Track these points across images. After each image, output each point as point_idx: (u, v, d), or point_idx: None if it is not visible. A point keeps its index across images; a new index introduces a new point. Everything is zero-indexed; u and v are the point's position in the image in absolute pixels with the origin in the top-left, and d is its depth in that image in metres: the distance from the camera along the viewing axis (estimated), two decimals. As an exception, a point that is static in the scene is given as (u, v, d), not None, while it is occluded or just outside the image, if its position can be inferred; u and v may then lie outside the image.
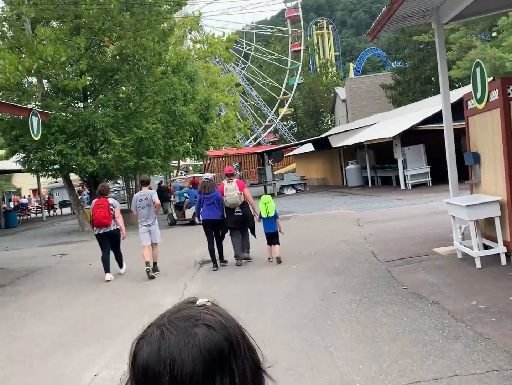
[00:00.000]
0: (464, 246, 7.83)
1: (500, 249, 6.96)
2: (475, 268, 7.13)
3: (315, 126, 69.27)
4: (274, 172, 37.67)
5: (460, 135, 31.39)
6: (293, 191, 32.98)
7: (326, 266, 8.99)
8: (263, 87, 77.06)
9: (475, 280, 6.66)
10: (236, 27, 74.45)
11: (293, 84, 76.45)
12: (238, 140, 42.59)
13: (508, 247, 6.93)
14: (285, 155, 42.05)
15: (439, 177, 25.51)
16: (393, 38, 51.78)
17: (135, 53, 19.72)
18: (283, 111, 74.30)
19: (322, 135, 38.57)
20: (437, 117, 23.37)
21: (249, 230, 10.66)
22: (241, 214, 10.29)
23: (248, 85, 74.23)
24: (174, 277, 10.03)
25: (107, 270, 10.41)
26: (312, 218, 17.85)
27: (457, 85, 43.59)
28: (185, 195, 21.64)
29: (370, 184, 29.14)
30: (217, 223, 10.29)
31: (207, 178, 10.71)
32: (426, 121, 23.38)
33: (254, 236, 10.71)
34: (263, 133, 74.31)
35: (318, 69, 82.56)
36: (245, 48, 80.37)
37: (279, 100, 76.82)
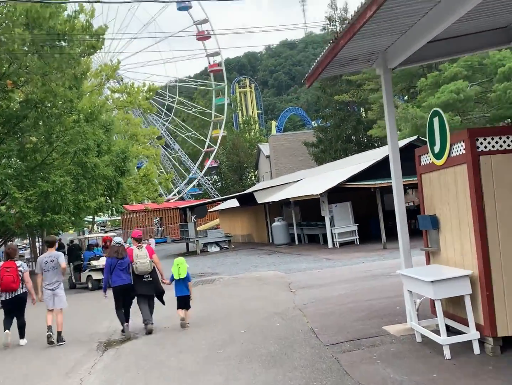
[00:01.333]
0: (423, 327, 6.56)
1: (472, 334, 5.73)
2: (443, 357, 5.83)
3: (239, 182, 68.64)
4: (197, 229, 35.94)
5: (384, 193, 31.33)
6: (217, 249, 31.32)
7: (260, 351, 7.39)
8: (188, 139, 76.08)
9: (449, 377, 5.32)
10: (159, 81, 73.41)
11: (217, 136, 75.99)
12: (159, 194, 40.62)
13: (482, 332, 5.70)
14: (209, 210, 40.55)
15: (365, 235, 24.95)
16: (314, 98, 52.79)
17: (43, 99, 17.84)
18: (209, 162, 73.20)
19: (247, 191, 37.59)
20: (363, 174, 22.99)
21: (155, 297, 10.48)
22: (151, 279, 10.14)
23: (171, 138, 72.91)
24: (70, 366, 8.03)
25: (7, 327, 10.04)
26: (239, 281, 16.26)
27: (376, 144, 44.63)
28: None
29: (297, 242, 28.10)
30: (130, 288, 10.04)
31: (119, 243, 10.36)
32: (353, 178, 22.90)
33: (163, 302, 10.59)
34: (186, 187, 72.66)
35: (242, 125, 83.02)
36: (168, 100, 79.55)
37: (203, 153, 75.89)
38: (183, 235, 33.42)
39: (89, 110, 19.94)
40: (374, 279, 12.98)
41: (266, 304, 11.27)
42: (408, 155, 23.21)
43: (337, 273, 15.30)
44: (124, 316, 9.94)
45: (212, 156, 74.51)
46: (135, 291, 10.06)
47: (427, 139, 6.83)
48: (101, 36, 16.52)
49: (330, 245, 23.60)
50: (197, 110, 78.72)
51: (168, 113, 79.78)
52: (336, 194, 23.79)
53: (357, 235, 23.79)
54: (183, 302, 10.06)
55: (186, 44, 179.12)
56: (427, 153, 7.01)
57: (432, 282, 5.74)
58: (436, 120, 6.45)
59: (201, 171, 73.25)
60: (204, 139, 75.82)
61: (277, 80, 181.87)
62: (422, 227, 7.19)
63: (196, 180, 72.95)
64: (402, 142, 24.33)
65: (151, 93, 27.59)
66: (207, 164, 73.62)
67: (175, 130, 77.16)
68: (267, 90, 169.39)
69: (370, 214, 28.28)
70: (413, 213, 30.53)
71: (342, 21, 47.97)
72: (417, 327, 6.59)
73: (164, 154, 72.49)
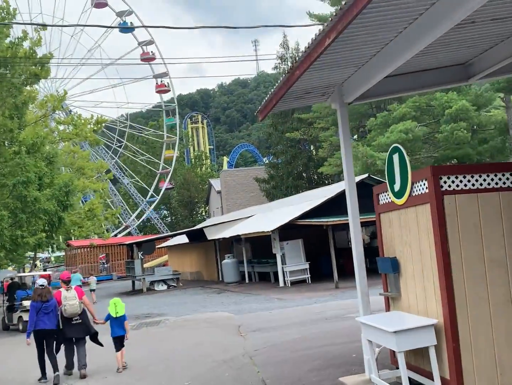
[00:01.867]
0: (383, 379, 6.05)
1: (438, 389, 5.24)
2: (408, 416, 5.30)
3: (189, 217, 67.64)
4: (145, 266, 34.66)
5: (335, 230, 31.24)
6: (165, 287, 30.16)
7: (206, 409, 6.68)
8: (142, 162, 74.67)
9: None
10: (110, 106, 71.91)
11: (171, 157, 74.73)
12: (105, 230, 39.17)
13: (448, 386, 5.23)
14: (157, 246, 39.35)
15: (316, 273, 24.56)
16: (266, 135, 53.04)
17: (-20, 127, 16.80)
18: (165, 185, 71.75)
19: (197, 226, 36.76)
20: (315, 211, 22.75)
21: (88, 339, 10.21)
22: (80, 321, 9.91)
23: (120, 172, 71.35)
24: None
25: None
26: (186, 324, 15.39)
27: (327, 182, 45.00)
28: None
29: (247, 280, 27.39)
30: (53, 332, 9.68)
31: (42, 285, 9.83)
32: (305, 215, 22.61)
33: (99, 343, 10.38)
34: (135, 223, 70.86)
35: (193, 160, 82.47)
36: (120, 126, 78.23)
37: (158, 175, 74.42)
38: (129, 272, 32.10)
39: (31, 142, 18.91)
40: (328, 322, 12.46)
41: (214, 351, 10.51)
42: (359, 192, 23.20)
43: (289, 315, 14.70)
44: (52, 363, 9.52)
45: (168, 178, 73.12)
46: (64, 334, 9.75)
47: (386, 177, 6.47)
48: (45, 64, 15.74)
49: (281, 283, 23.04)
50: (149, 133, 77.67)
51: (117, 149, 78.29)
52: (287, 230, 23.43)
53: (308, 273, 23.36)
54: (120, 342, 10.04)
55: (136, 68, 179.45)
56: (386, 192, 6.64)
57: (395, 332, 5.26)
58: (396, 157, 6.11)
59: (157, 195, 71.60)
60: (158, 161, 74.49)
61: (229, 117, 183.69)
62: (382, 270, 6.76)
63: (145, 215, 71.32)
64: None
65: (99, 125, 26.72)
66: (164, 185, 72.13)
67: (129, 156, 75.49)
68: (219, 126, 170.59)
69: (321, 251, 28.05)
70: (366, 251, 30.28)
71: (293, 60, 48.82)
72: (377, 380, 6.06)
73: (112, 189, 70.77)
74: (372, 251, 30.38)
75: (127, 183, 70.88)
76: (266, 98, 7.33)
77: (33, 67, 15.37)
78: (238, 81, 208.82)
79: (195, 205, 69.73)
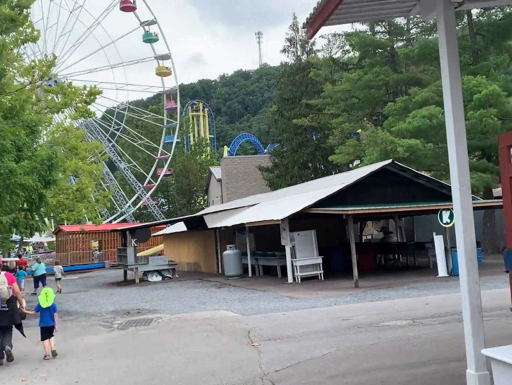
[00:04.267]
0: None
1: None
2: None
3: (187, 205, 65.00)
4: (138, 254, 32.05)
5: (344, 223, 28.61)
6: (159, 278, 27.59)
7: None
8: (140, 147, 71.87)
9: None
10: (109, 87, 69.04)
11: (171, 143, 72.17)
12: (97, 214, 36.56)
13: None
14: (152, 234, 36.69)
15: (327, 269, 22.00)
16: (271, 121, 50.37)
17: None
18: (162, 172, 68.98)
19: (197, 214, 34.14)
20: (329, 201, 20.18)
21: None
22: (7, 309, 9.81)
23: (117, 156, 68.53)
24: None
25: None
26: (183, 325, 12.81)
27: (333, 172, 42.36)
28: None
29: (250, 274, 24.81)
30: None
31: None
32: (319, 203, 19.99)
33: (23, 334, 10.38)
34: (131, 209, 68.18)
35: (193, 147, 79.68)
36: (118, 108, 75.37)
37: (156, 161, 71.64)
38: (121, 261, 29.51)
39: (9, 105, 16.25)
40: (362, 332, 9.91)
41: (221, 368, 7.94)
42: (381, 180, 20.55)
43: (308, 319, 12.14)
44: None
45: (167, 164, 70.40)
46: None
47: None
48: (25, 9, 13.06)
49: (290, 279, 20.47)
50: (148, 117, 74.74)
51: (115, 132, 75.42)
52: (297, 221, 20.86)
53: (321, 268, 20.79)
54: (47, 332, 10.02)
55: (137, 52, 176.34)
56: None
57: None
58: None
59: (155, 182, 68.91)
60: (157, 146, 71.72)
61: (230, 108, 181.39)
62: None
63: (142, 202, 68.61)
64: (375, 166, 21.82)
65: (92, 97, 24.05)
66: (162, 172, 69.40)
67: (127, 140, 72.67)
68: (220, 117, 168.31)
69: (331, 245, 25.52)
70: (379, 247, 27.97)
71: (303, 43, 46.16)
72: None
73: (109, 174, 68.02)
74: (385, 247, 27.97)
75: (124, 168, 68.05)
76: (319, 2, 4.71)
77: (8, 10, 12.71)
78: (240, 73, 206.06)
79: (193, 193, 67.07)
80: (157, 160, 70.89)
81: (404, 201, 21.19)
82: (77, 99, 22.75)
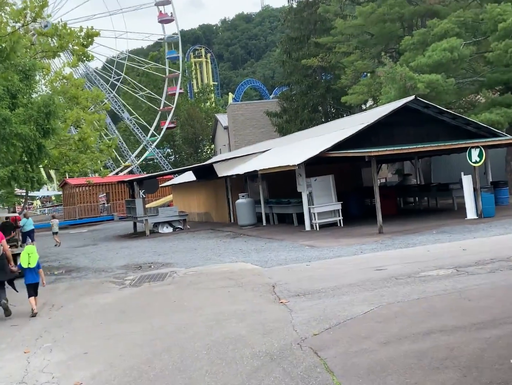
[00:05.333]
0: None
1: None
2: None
3: (194, 155, 63.70)
4: (147, 206, 31.14)
5: (362, 167, 27.38)
6: (170, 229, 26.74)
7: None
8: (142, 99, 69.84)
9: None
10: (108, 35, 66.46)
11: (174, 94, 70.17)
12: (102, 166, 35.45)
13: None
14: (160, 185, 35.67)
15: (345, 215, 20.88)
16: (279, 62, 48.22)
17: None
18: (166, 124, 67.45)
19: (206, 162, 32.95)
20: (350, 142, 18.83)
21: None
22: None
23: (120, 106, 66.69)
24: None
25: None
26: (201, 279, 11.86)
27: (345, 115, 40.68)
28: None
29: (264, 223, 23.82)
30: None
31: None
32: (337, 146, 18.66)
33: (15, 289, 10.46)
34: (137, 160, 66.97)
35: (197, 95, 77.49)
36: (117, 57, 73.01)
37: (159, 113, 69.90)
38: (129, 213, 28.61)
39: (-1, 47, 14.84)
40: (402, 283, 8.85)
41: (250, 333, 6.94)
42: (402, 119, 19.09)
43: (336, 270, 11.12)
44: None
45: (170, 117, 68.71)
46: None
47: None
48: None
49: (307, 227, 19.46)
50: (149, 67, 72.36)
51: (115, 82, 73.21)
52: (309, 167, 19.62)
53: (340, 215, 19.72)
54: (34, 289, 9.92)
55: (141, 18, 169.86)
56: None
57: None
58: None
59: (158, 134, 67.43)
60: (159, 97, 69.77)
61: (233, 54, 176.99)
62: None
63: (148, 152, 67.28)
64: (396, 104, 20.36)
65: (89, 39, 22.40)
66: (165, 125, 67.81)
67: (127, 90, 70.65)
68: (222, 64, 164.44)
69: (346, 190, 24.35)
70: (397, 190, 26.59)
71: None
72: None
73: (111, 125, 66.41)
74: (404, 190, 26.76)
75: (128, 118, 66.33)
76: None
77: None
78: (242, 16, 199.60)
79: (200, 142, 65.60)
80: (159, 112, 69.05)
81: (427, 140, 19.83)
82: (74, 41, 21.13)
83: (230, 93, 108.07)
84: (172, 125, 68.40)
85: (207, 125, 65.33)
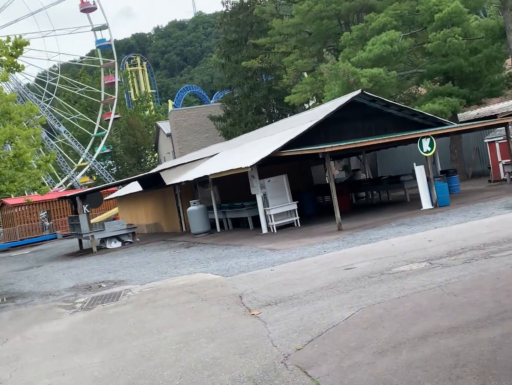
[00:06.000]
0: None
1: None
2: None
3: (137, 165, 61.96)
4: (92, 221, 29.70)
5: (312, 165, 27.11)
6: (119, 244, 25.49)
7: None
8: (74, 122, 67.30)
9: None
10: (39, 56, 63.91)
11: (108, 120, 68.30)
12: (42, 183, 33.61)
13: None
14: (104, 198, 34.20)
15: (301, 214, 20.44)
16: (219, 66, 47.58)
17: None
18: (112, 115, 65.49)
19: (152, 171, 31.82)
20: (300, 140, 18.42)
21: None
22: None
23: (55, 120, 64.07)
24: None
25: None
26: (158, 296, 11.00)
27: (288, 115, 40.49)
28: None
29: (218, 229, 23.09)
30: None
31: None
32: (287, 146, 18.21)
33: None
34: (77, 175, 64.49)
35: (136, 103, 75.61)
36: (49, 80, 70.07)
37: (92, 138, 67.75)
38: (74, 229, 27.12)
39: None
40: (379, 282, 8.37)
41: (225, 354, 6.21)
42: (350, 114, 18.85)
43: (304, 273, 10.55)
44: None
45: (103, 141, 66.89)
46: None
47: None
48: None
49: (264, 229, 18.89)
50: (83, 90, 69.89)
51: (49, 93, 70.39)
52: (261, 168, 19.06)
53: (297, 215, 19.27)
54: None
55: (69, 18, 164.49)
56: None
57: None
58: None
59: (92, 156, 65.25)
60: (94, 122, 67.79)
61: (169, 61, 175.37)
62: None
63: (88, 166, 64.95)
64: (343, 99, 20.12)
65: (18, 49, 21.00)
66: (111, 116, 65.82)
67: (59, 112, 68.12)
68: (159, 71, 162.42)
69: (297, 189, 23.98)
70: (349, 185, 26.36)
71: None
72: None
73: (48, 140, 63.73)
74: (356, 185, 26.66)
75: (65, 131, 63.78)
76: None
77: None
78: (175, 23, 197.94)
79: (142, 152, 63.94)
80: (101, 104, 66.84)
81: (376, 134, 19.75)
82: (2, 52, 19.66)
83: (169, 100, 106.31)
84: (117, 116, 66.63)
85: (148, 133, 63.80)
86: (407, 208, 18.99)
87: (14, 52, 21.05)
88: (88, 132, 67.89)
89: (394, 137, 17.30)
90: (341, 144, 16.00)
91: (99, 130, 68.04)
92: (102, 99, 67.22)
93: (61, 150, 63.31)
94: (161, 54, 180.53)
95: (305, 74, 37.11)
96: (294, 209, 19.22)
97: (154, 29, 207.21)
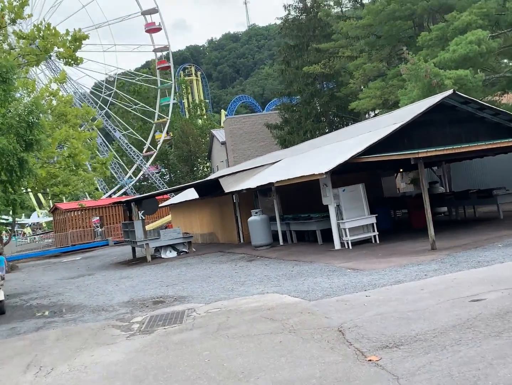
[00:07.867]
0: None
1: None
2: None
3: (190, 173, 61.01)
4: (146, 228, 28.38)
5: (382, 175, 24.74)
6: (174, 254, 23.99)
7: None
8: (130, 127, 67.28)
9: None
10: (98, 70, 64.70)
11: (158, 141, 67.98)
12: (96, 188, 32.78)
13: None
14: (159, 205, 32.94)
15: (380, 229, 18.17)
16: (278, 72, 45.91)
17: None
18: (162, 137, 65.06)
19: (210, 177, 30.32)
20: (380, 146, 16.32)
21: None
22: None
23: (111, 125, 64.05)
24: None
25: None
26: (230, 321, 9.13)
27: (351, 123, 38.31)
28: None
29: (281, 242, 21.15)
30: None
31: None
32: (367, 151, 16.11)
33: None
34: (131, 181, 64.14)
35: (190, 110, 75.06)
36: (104, 93, 70.48)
37: (141, 157, 67.59)
38: (127, 236, 25.82)
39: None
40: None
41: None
42: (437, 117, 16.41)
43: (414, 303, 8.43)
44: None
45: (149, 162, 66.47)
46: None
47: None
48: None
49: (337, 245, 16.80)
50: (138, 108, 69.80)
51: (103, 106, 70.77)
52: (332, 176, 16.99)
53: (375, 230, 17.09)
54: None
55: (129, 34, 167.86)
56: None
57: None
58: None
59: (155, 148, 64.82)
60: (144, 141, 67.66)
61: (222, 73, 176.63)
62: None
63: (141, 172, 64.52)
64: (431, 100, 17.83)
65: (77, 43, 19.86)
66: (162, 137, 65.33)
67: (121, 106, 68.21)
68: (211, 83, 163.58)
69: (369, 201, 21.73)
70: (434, 198, 23.60)
71: None
72: None
73: (104, 143, 63.69)
74: (438, 199, 24.00)
75: (119, 137, 63.65)
76: None
77: None
78: (228, 36, 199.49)
79: (195, 160, 63.01)
80: (154, 125, 66.52)
81: (466, 141, 17.38)
82: (59, 43, 18.56)
83: (222, 110, 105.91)
84: (168, 137, 66.04)
85: (201, 142, 62.85)
86: (504, 226, 16.48)
87: (73, 46, 19.98)
88: (143, 140, 67.64)
89: (498, 143, 14.89)
90: (437, 149, 13.79)
91: (149, 149, 67.70)
92: (156, 119, 66.95)
93: (116, 155, 63.16)
94: (214, 65, 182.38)
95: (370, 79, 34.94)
96: (373, 223, 17.05)
97: (207, 41, 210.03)
